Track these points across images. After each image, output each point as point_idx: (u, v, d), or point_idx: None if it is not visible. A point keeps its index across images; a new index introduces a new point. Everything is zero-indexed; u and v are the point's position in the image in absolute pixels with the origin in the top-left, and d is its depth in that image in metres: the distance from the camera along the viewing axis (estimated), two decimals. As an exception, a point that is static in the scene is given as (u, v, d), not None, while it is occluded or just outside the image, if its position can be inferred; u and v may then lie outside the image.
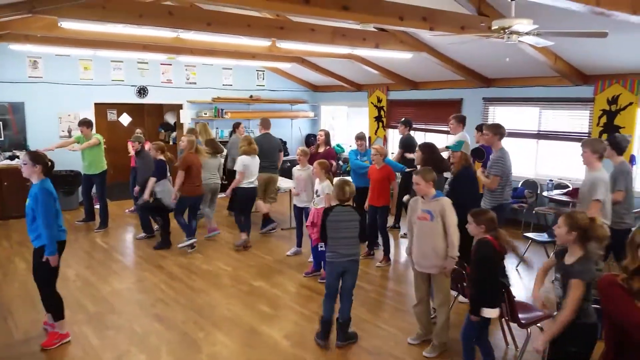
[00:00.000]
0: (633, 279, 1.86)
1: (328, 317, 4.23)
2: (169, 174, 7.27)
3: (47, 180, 4.06)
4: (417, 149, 5.31)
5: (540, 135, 7.92)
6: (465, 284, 4.15)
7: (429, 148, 5.46)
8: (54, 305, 4.22)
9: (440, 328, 4.11)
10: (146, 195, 6.80)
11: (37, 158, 4.04)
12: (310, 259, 6.12)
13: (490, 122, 8.47)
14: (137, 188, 7.24)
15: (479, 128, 6.70)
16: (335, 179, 4.57)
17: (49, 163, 4.11)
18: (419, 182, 4.02)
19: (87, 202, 8.20)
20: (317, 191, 5.76)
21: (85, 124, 7.81)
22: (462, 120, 6.87)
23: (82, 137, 7.81)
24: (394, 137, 10.09)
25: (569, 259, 2.94)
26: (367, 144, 7.23)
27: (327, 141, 7.61)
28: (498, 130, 5.42)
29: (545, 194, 7.26)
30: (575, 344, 2.84)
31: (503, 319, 4.09)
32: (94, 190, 8.06)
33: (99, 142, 7.81)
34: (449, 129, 7.02)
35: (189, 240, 6.74)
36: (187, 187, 6.61)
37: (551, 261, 3.27)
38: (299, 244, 6.69)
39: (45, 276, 4.14)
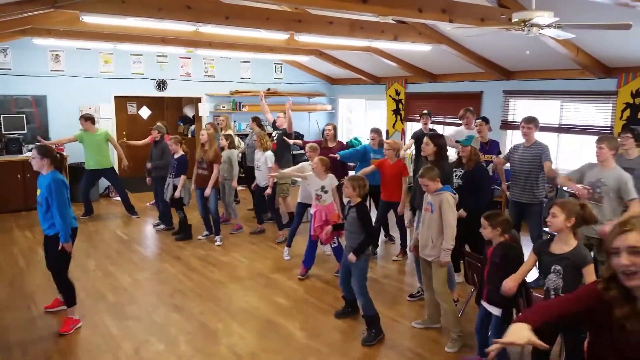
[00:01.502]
0: (609, 287, 1.87)
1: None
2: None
3: (56, 171, 4.21)
4: (428, 141, 5.07)
5: (562, 129, 7.78)
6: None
7: (442, 140, 5.20)
8: (69, 291, 4.38)
9: (448, 318, 4.14)
10: (177, 193, 6.91)
11: (45, 151, 4.18)
12: (329, 251, 6.09)
13: (510, 115, 8.39)
14: (149, 179, 7.52)
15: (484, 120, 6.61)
16: (352, 175, 4.52)
17: (58, 156, 4.25)
18: (428, 184, 4.12)
19: (86, 198, 8.12)
20: (323, 187, 5.50)
21: (90, 119, 7.95)
22: (474, 113, 6.81)
23: (86, 133, 7.90)
24: (413, 130, 9.99)
25: (561, 248, 3.08)
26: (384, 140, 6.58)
27: (336, 135, 7.43)
28: (539, 123, 5.53)
29: (565, 188, 7.11)
30: (585, 331, 2.98)
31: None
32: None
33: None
34: (463, 124, 6.91)
35: (220, 240, 6.91)
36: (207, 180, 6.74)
37: (531, 260, 3.33)
38: None
39: (60, 263, 4.30)
